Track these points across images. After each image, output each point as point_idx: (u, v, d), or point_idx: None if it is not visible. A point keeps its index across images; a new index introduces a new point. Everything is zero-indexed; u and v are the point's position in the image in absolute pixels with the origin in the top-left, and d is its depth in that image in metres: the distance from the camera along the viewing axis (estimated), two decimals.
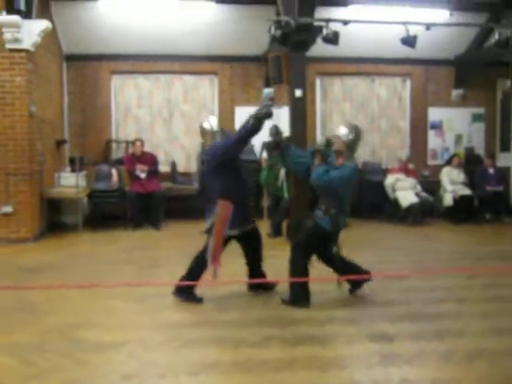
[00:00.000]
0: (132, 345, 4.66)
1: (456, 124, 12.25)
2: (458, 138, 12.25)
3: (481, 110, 12.35)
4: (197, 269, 5.71)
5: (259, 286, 6.11)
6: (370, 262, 7.48)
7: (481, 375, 4.11)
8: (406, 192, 10.69)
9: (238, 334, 4.90)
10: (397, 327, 5.07)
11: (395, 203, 10.77)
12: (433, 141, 12.24)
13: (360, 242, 9.08)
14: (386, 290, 6.33)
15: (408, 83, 12.21)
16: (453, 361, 4.36)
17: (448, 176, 11.16)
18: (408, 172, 11.03)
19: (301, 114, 8.79)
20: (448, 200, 10.99)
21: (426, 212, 10.90)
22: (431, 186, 11.42)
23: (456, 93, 12.20)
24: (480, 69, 11.90)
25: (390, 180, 10.88)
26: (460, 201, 10.88)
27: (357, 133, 5.66)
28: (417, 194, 10.72)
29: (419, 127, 12.21)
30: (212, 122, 5.96)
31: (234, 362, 4.33)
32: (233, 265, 6.20)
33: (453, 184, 11.08)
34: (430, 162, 12.22)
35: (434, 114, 12.20)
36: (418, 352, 4.50)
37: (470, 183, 11.21)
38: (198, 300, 5.73)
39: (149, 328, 5.07)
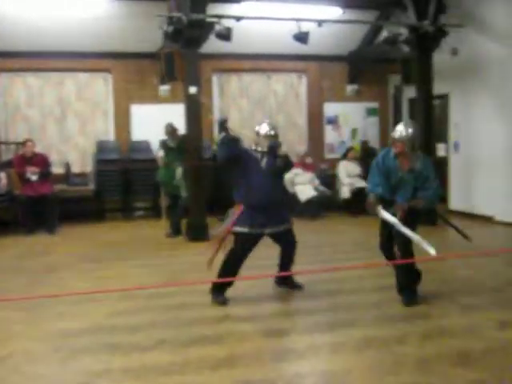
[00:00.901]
0: (16, 357, 4.39)
1: (351, 118, 12.59)
2: (354, 132, 12.60)
3: (374, 105, 12.76)
4: (226, 271, 5.60)
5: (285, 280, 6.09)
6: (268, 257, 7.55)
7: (371, 363, 4.20)
8: (304, 186, 10.85)
9: (131, 339, 4.75)
10: (291, 322, 5.11)
11: (294, 197, 10.91)
12: (329, 135, 12.51)
13: None
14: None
15: (304, 79, 12.40)
16: (344, 351, 4.43)
17: (344, 169, 11.44)
18: (306, 166, 11.20)
19: (195, 110, 8.70)
20: (345, 193, 11.27)
21: (324, 205, 11.12)
22: (329, 179, 11.67)
23: (351, 88, 12.53)
24: (372, 65, 12.28)
25: (288, 175, 10.99)
26: (357, 193, 11.18)
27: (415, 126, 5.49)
28: (315, 188, 10.91)
29: (316, 122, 12.44)
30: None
31: (124, 368, 4.18)
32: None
33: (349, 177, 11.37)
34: (327, 156, 12.48)
35: (330, 109, 12.47)
36: (311, 345, 4.54)
37: (366, 176, 11.52)
38: (223, 302, 5.61)
39: (35, 339, 4.80)
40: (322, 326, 4.97)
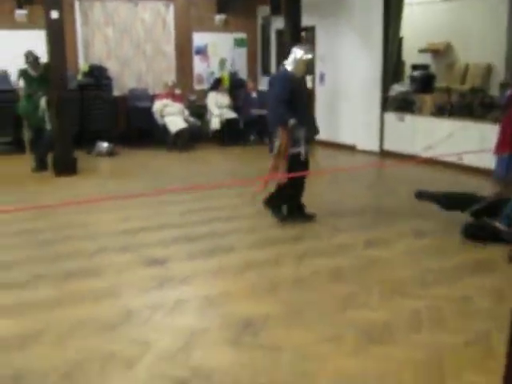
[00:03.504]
0: None
1: (220, 49, 12.46)
2: (222, 63, 12.52)
3: (243, 35, 12.70)
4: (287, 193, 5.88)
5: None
6: (143, 189, 7.48)
7: (249, 285, 4.38)
8: (174, 117, 10.71)
9: (5, 276, 4.55)
10: (171, 250, 5.14)
11: (164, 129, 10.76)
12: (198, 65, 12.33)
13: (130, 170, 8.98)
14: (162, 214, 6.37)
15: (171, 7, 12.01)
16: (224, 275, 4.57)
17: (214, 100, 11.41)
18: (175, 97, 11.02)
19: (58, 37, 8.17)
20: (215, 124, 11.28)
21: (195, 136, 11.10)
22: (198, 110, 11.59)
23: (219, 18, 12.34)
24: None
25: (157, 106, 10.78)
26: (226, 124, 11.25)
27: None
28: (185, 120, 10.81)
29: (184, 52, 12.18)
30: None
31: (1, 306, 4.01)
32: None
33: (219, 108, 11.37)
34: (197, 87, 12.34)
35: (199, 38, 12.25)
36: (192, 272, 4.62)
37: (235, 106, 11.62)
38: (284, 218, 5.95)
39: None
40: (202, 253, 5.07)
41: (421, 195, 6.14)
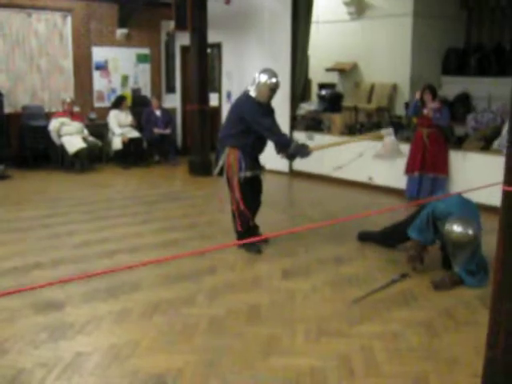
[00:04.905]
0: None
1: (122, 65, 11.81)
2: (124, 79, 11.89)
3: (146, 51, 12.14)
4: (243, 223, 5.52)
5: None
6: (37, 218, 6.77)
7: (159, 331, 3.86)
8: (71, 137, 9.95)
9: None
10: (67, 291, 4.52)
11: (61, 149, 9.99)
12: (98, 82, 11.61)
13: (24, 196, 8.16)
14: (55, 248, 5.69)
15: (69, 19, 11.27)
16: (129, 320, 4.03)
17: (116, 119, 10.76)
18: (73, 115, 10.28)
19: None
20: (117, 143, 10.63)
21: (95, 157, 10.40)
22: (99, 129, 10.88)
23: (120, 32, 11.73)
24: (144, 8, 11.59)
25: (54, 124, 9.99)
26: (129, 144, 10.63)
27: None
28: (84, 139, 10.08)
29: (83, 67, 11.44)
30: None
31: None
32: None
33: (121, 127, 10.73)
34: (97, 105, 11.61)
35: (99, 53, 11.56)
36: (93, 317, 4.05)
37: (138, 125, 11.02)
38: (258, 251, 5.54)
39: None
40: (101, 293, 4.49)
41: (361, 237, 5.91)
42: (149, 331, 3.84)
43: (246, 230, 5.57)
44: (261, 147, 5.63)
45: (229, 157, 5.46)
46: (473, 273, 4.76)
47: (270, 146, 5.66)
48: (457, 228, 4.58)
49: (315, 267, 5.14)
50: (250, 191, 5.57)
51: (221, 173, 5.58)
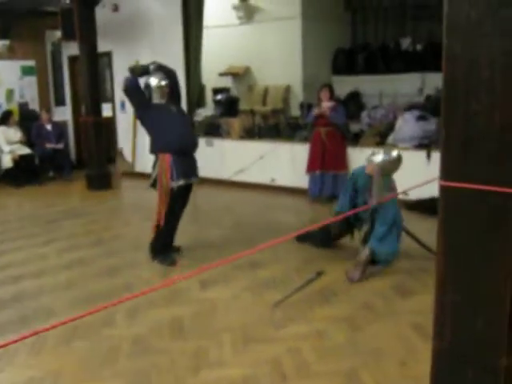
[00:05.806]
0: None
1: (5, 78, 11.18)
2: (10, 94, 11.27)
3: (31, 63, 11.57)
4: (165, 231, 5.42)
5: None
6: None
7: (80, 358, 3.67)
8: None
9: None
10: None
11: None
12: None
13: None
14: None
15: None
16: (47, 349, 3.79)
17: (3, 135, 10.18)
18: None
19: None
20: (7, 162, 10.06)
21: None
22: None
23: (2, 44, 11.10)
24: (27, 18, 11.02)
25: None
26: (20, 161, 10.09)
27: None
28: None
29: None
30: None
31: None
32: None
33: (10, 144, 10.17)
34: None
35: None
36: (4, 350, 3.75)
37: (29, 141, 10.49)
38: (173, 261, 5.45)
39: None
40: (11, 323, 4.20)
41: (300, 239, 5.88)
42: (69, 360, 3.64)
43: (163, 244, 5.49)
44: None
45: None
46: (385, 236, 4.96)
47: None
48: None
49: (232, 274, 5.11)
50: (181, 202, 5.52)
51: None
